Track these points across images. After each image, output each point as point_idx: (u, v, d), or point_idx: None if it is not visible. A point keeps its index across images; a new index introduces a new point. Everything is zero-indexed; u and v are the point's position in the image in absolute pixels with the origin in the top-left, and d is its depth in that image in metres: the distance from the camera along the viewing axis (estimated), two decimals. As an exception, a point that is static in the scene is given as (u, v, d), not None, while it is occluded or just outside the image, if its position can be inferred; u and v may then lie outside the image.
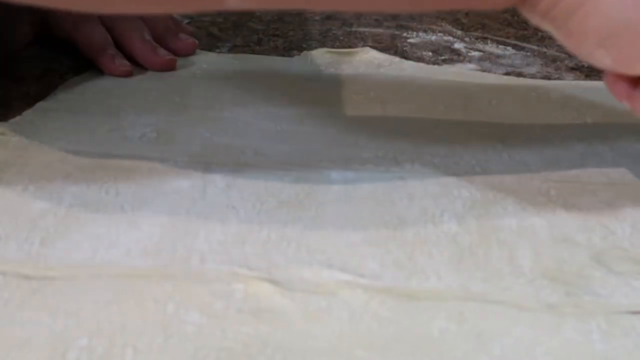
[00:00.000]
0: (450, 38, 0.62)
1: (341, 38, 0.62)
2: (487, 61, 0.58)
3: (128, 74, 0.52)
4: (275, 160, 0.41)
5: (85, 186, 0.38)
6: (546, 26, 0.37)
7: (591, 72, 0.56)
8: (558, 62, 0.58)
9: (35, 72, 0.53)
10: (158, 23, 0.56)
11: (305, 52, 0.58)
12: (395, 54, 0.58)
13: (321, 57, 0.57)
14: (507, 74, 0.56)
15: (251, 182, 0.39)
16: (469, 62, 0.58)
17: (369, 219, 0.36)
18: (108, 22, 0.54)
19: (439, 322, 0.30)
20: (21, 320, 0.29)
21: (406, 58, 0.58)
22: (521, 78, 0.55)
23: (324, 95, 0.51)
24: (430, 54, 0.59)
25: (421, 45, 0.61)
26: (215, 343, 0.28)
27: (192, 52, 0.57)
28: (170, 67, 0.54)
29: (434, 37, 0.63)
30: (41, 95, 0.49)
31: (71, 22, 0.54)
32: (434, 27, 0.65)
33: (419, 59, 0.58)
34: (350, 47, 0.60)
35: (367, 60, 0.57)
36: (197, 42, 0.57)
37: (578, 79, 0.55)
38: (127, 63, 0.53)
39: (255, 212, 0.37)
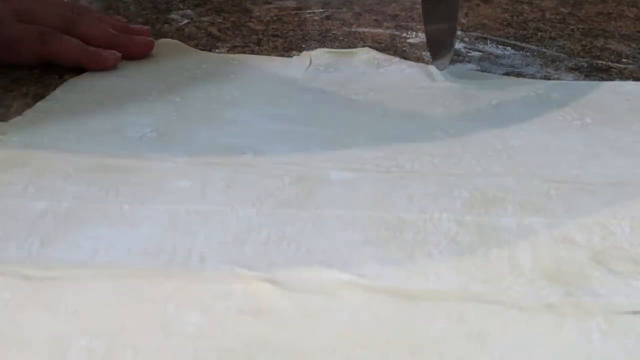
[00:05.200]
0: (450, 38, 0.62)
1: (341, 38, 0.62)
2: (487, 61, 0.58)
3: (118, 61, 0.53)
4: (275, 160, 0.41)
5: (85, 186, 0.38)
6: None
7: (591, 72, 0.56)
8: (558, 62, 0.58)
9: (35, 72, 0.53)
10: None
11: (304, 52, 0.58)
12: (395, 54, 0.59)
13: (321, 57, 0.57)
14: (506, 74, 0.56)
15: (251, 182, 0.39)
16: (469, 62, 0.58)
17: (369, 219, 0.36)
18: (72, 31, 0.54)
19: (439, 322, 0.30)
20: (21, 320, 0.29)
21: (406, 58, 0.58)
22: (521, 78, 0.55)
23: (324, 96, 0.51)
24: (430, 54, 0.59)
25: (421, 46, 0.61)
26: (216, 343, 0.28)
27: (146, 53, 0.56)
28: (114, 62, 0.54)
29: (433, 37, 0.63)
30: (41, 95, 0.49)
31: (35, 38, 0.53)
32: (433, 27, 0.65)
33: (419, 59, 0.58)
34: (349, 47, 0.60)
35: (367, 60, 0.57)
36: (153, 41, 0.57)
37: (578, 79, 0.55)
38: (114, 52, 0.53)
39: (255, 212, 0.37)
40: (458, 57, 0.59)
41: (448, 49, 0.52)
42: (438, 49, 0.54)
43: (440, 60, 0.54)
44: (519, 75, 0.56)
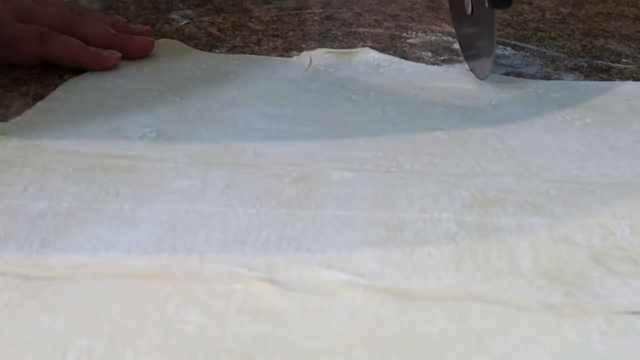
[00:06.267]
0: (450, 38, 0.62)
1: (340, 38, 0.62)
2: (487, 61, 0.58)
3: (118, 61, 0.53)
4: (275, 160, 0.41)
5: (85, 186, 0.38)
6: None
7: (591, 72, 0.56)
8: (557, 62, 0.58)
9: (35, 72, 0.53)
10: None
11: (304, 52, 0.58)
12: (395, 54, 0.59)
13: (321, 58, 0.57)
14: (506, 74, 0.56)
15: (251, 182, 0.39)
16: (469, 62, 0.58)
17: (368, 219, 0.36)
18: (71, 31, 0.54)
19: (439, 322, 0.30)
20: (21, 320, 0.29)
21: (406, 58, 0.58)
22: (521, 78, 0.55)
23: (324, 96, 0.51)
24: (430, 54, 0.59)
25: (420, 46, 0.61)
26: (215, 343, 0.28)
27: (147, 53, 0.56)
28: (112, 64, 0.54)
29: (433, 38, 0.63)
30: (41, 95, 0.49)
31: (35, 38, 0.53)
32: (433, 27, 0.65)
33: (419, 59, 0.58)
34: (349, 47, 0.60)
35: (367, 60, 0.57)
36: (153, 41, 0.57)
37: (578, 79, 0.55)
38: (114, 51, 0.53)
39: (255, 212, 0.37)
40: (458, 57, 0.59)
41: (487, 56, 0.51)
42: (474, 55, 0.54)
43: (480, 68, 0.53)
44: (519, 75, 0.56)
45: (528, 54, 0.60)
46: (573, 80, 0.55)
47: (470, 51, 0.55)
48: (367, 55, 0.57)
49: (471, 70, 0.55)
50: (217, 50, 0.59)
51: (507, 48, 0.61)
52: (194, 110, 0.48)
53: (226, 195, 0.38)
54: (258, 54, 0.58)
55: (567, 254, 0.34)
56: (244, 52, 0.59)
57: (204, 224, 0.35)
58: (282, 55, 0.58)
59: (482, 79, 0.53)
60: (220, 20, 0.66)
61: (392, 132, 0.45)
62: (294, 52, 0.59)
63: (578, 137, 0.45)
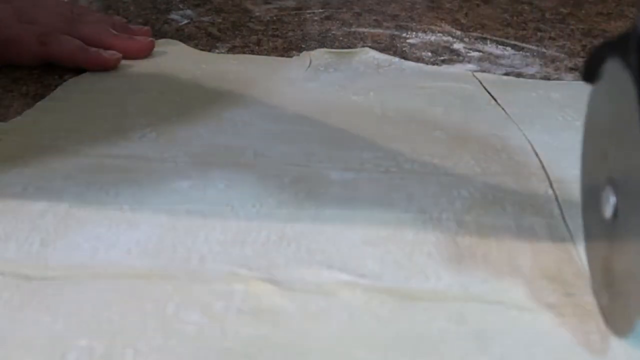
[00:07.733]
0: (450, 38, 0.63)
1: (340, 38, 0.62)
2: (487, 61, 0.58)
3: (119, 62, 0.53)
4: (275, 160, 0.41)
5: (85, 186, 0.38)
6: None
7: (591, 73, 0.56)
8: (557, 63, 0.58)
9: (35, 72, 0.53)
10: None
11: (304, 52, 0.58)
12: (395, 54, 0.59)
13: (320, 58, 0.57)
14: (506, 74, 0.56)
15: (251, 182, 0.39)
16: (469, 62, 0.58)
17: (368, 219, 0.36)
18: (72, 31, 0.54)
19: (439, 322, 0.30)
20: (21, 320, 0.29)
21: (405, 58, 0.58)
22: (521, 78, 0.55)
23: (324, 96, 0.51)
24: (430, 54, 0.59)
25: (420, 46, 0.61)
26: (215, 343, 0.28)
27: (146, 52, 0.56)
28: (114, 65, 0.53)
29: (433, 38, 0.63)
30: (41, 95, 0.49)
31: (35, 39, 0.53)
32: (433, 27, 0.65)
33: (418, 60, 0.58)
34: (349, 47, 0.60)
35: (367, 60, 0.57)
36: (153, 41, 0.57)
37: (578, 79, 0.55)
38: (115, 52, 0.53)
39: (255, 212, 0.37)
40: (457, 58, 0.59)
41: (631, 305, 0.28)
42: (609, 291, 0.30)
43: (614, 317, 0.30)
44: (518, 75, 0.56)
45: (528, 54, 0.60)
46: (573, 80, 0.55)
47: (605, 285, 0.31)
48: (367, 55, 0.57)
49: (605, 319, 0.30)
50: (217, 50, 0.59)
51: (507, 48, 0.61)
52: (194, 110, 0.48)
53: (226, 195, 0.38)
54: (258, 54, 0.59)
55: (566, 254, 0.34)
56: (244, 52, 0.59)
57: (204, 224, 0.35)
58: (282, 55, 0.58)
59: (621, 338, 0.29)
60: (220, 20, 0.66)
61: (392, 132, 0.45)
62: (294, 52, 0.59)
63: (578, 137, 0.45)
